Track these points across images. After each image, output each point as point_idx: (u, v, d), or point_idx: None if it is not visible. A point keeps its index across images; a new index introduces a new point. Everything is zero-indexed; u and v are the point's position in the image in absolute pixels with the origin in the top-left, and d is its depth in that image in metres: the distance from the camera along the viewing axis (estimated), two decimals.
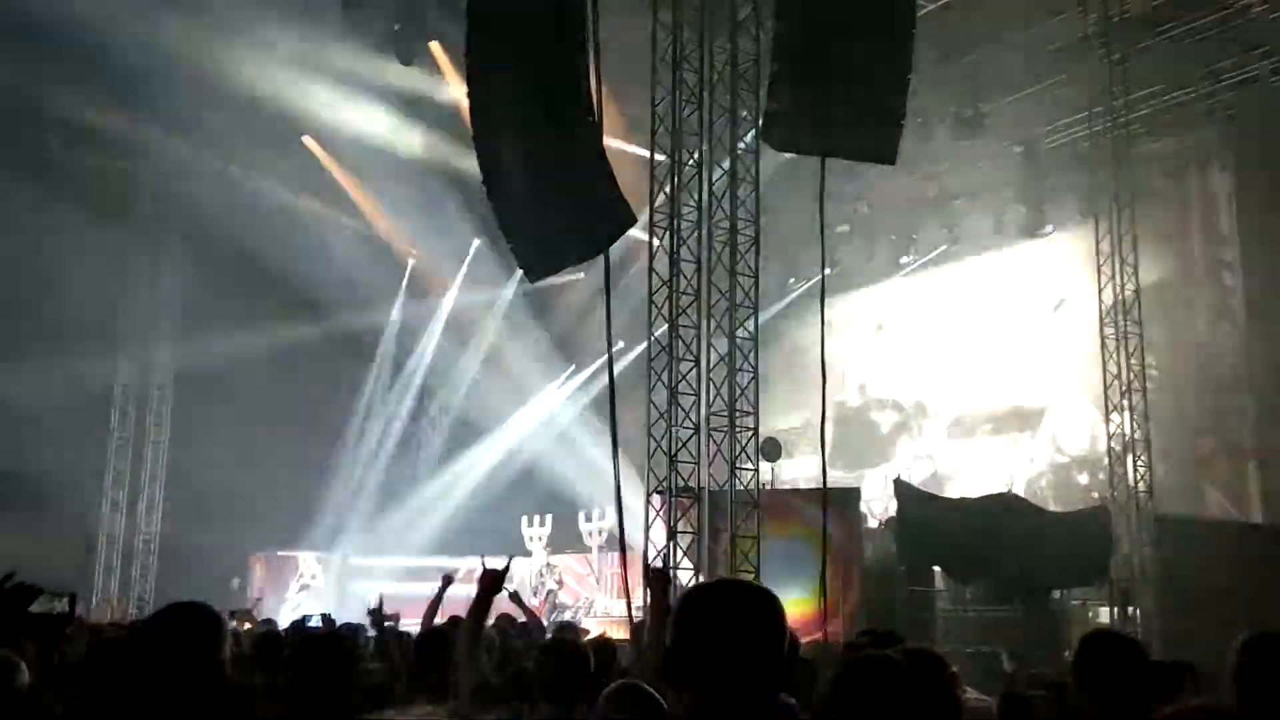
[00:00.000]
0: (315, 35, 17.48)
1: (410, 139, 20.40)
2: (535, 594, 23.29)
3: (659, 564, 11.40)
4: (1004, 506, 15.17)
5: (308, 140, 20.66)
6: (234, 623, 8.78)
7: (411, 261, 24.76)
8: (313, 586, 23.18)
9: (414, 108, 19.52)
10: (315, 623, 9.91)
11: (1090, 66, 16.53)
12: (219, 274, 20.66)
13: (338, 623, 9.70)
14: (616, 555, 15.65)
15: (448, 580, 7.92)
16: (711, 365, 12.87)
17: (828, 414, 7.26)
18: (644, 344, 12.71)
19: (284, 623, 12.70)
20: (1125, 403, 15.82)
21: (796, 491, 15.87)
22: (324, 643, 3.43)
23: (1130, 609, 14.90)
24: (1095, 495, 16.37)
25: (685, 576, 11.78)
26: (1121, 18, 16.14)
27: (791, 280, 23.15)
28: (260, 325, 21.16)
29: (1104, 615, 14.84)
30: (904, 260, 22.52)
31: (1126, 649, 3.29)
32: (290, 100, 18.58)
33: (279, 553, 23.36)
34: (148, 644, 2.95)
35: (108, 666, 3.06)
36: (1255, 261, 17.88)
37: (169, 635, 2.93)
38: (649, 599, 4.56)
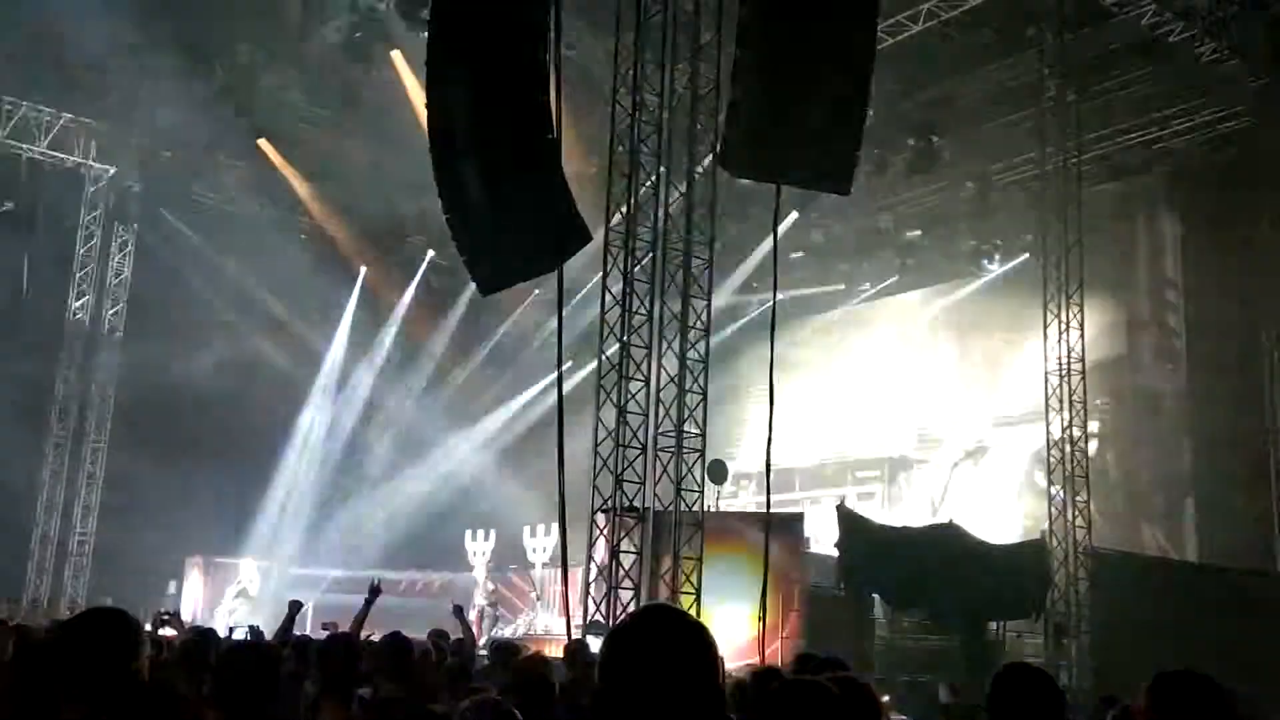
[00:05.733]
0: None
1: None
2: (472, 610, 23.14)
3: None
4: (944, 537, 15.22)
5: (262, 143, 20.47)
6: (164, 629, 8.55)
7: (364, 270, 24.57)
8: (250, 594, 22.83)
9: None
10: (243, 634, 9.64)
11: (1043, 108, 16.81)
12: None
13: (267, 635, 9.47)
14: (559, 572, 15.58)
15: (375, 592, 7.71)
16: (661, 386, 12.87)
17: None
18: (594, 362, 12.70)
19: (220, 629, 12.44)
20: (1066, 438, 16.03)
21: (740, 514, 15.88)
22: (250, 651, 3.38)
23: (1064, 642, 15.06)
24: (1035, 529, 16.54)
25: (626, 596, 11.76)
26: (1075, 62, 16.46)
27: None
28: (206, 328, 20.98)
29: (1039, 647, 14.96)
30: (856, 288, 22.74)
31: (1039, 682, 3.31)
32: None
33: (217, 559, 23.00)
34: (63, 649, 2.91)
35: (31, 669, 3.00)
36: (1199, 305, 18.22)
37: (84, 641, 2.89)
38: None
